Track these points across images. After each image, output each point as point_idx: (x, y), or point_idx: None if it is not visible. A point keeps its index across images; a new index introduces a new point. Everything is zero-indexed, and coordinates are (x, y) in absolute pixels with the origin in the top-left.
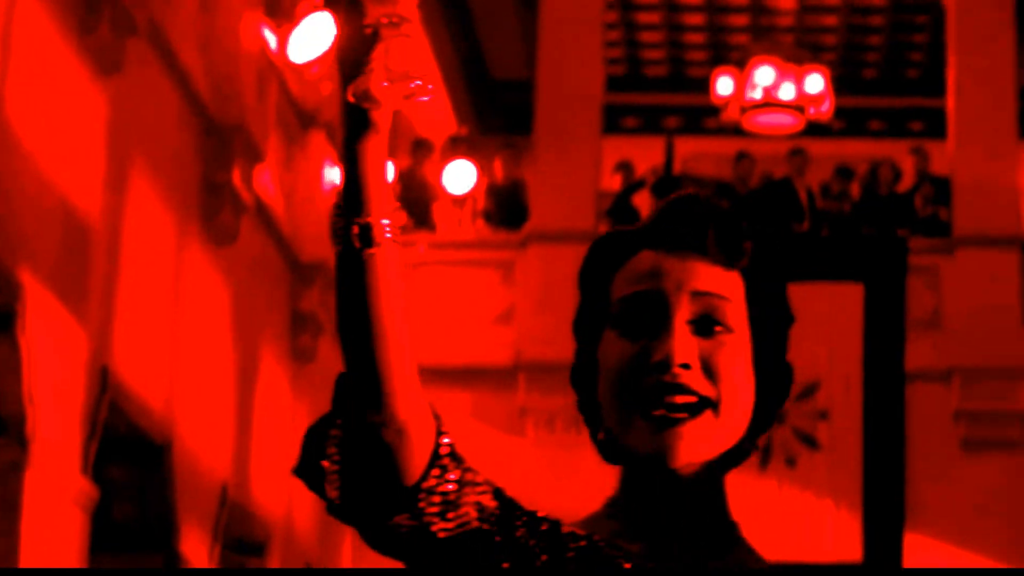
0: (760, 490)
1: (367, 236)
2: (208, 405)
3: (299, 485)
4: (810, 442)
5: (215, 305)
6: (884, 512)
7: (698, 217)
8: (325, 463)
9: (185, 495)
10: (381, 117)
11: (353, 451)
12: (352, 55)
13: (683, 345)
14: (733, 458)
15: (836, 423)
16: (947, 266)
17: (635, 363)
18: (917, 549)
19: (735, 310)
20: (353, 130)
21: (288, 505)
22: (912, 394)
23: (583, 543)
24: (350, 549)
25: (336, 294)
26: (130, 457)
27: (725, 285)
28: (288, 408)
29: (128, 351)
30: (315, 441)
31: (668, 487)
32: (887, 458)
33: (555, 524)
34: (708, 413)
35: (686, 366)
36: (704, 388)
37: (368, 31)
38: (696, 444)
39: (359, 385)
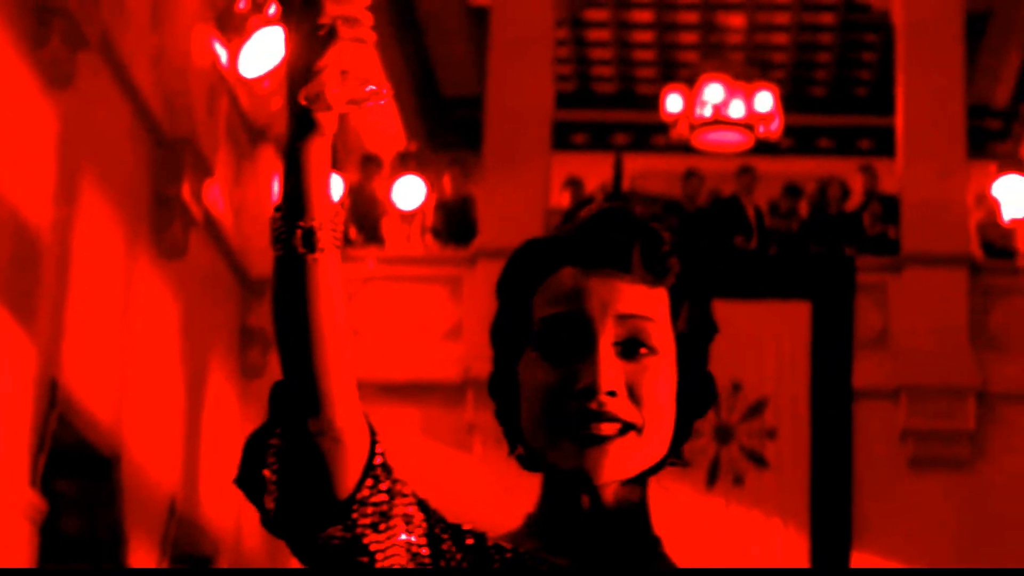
0: (708, 508)
1: (310, 240)
2: (157, 419)
3: (246, 499)
4: (758, 460)
5: (164, 319)
6: (831, 530)
7: (623, 234)
8: (266, 472)
9: (133, 508)
10: (328, 121)
11: (290, 460)
12: (305, 56)
13: (608, 371)
14: (654, 471)
15: (784, 441)
16: (895, 285)
17: (559, 389)
18: (864, 567)
19: (660, 330)
20: (299, 133)
21: (236, 519)
22: (859, 412)
23: (508, 555)
24: (297, 563)
25: (274, 299)
26: (79, 470)
27: (650, 305)
28: (236, 423)
29: (77, 364)
30: (255, 450)
31: (591, 503)
32: (834, 476)
33: (480, 536)
34: (632, 435)
35: (612, 393)
36: (629, 415)
37: (323, 32)
38: (620, 462)
39: (297, 392)
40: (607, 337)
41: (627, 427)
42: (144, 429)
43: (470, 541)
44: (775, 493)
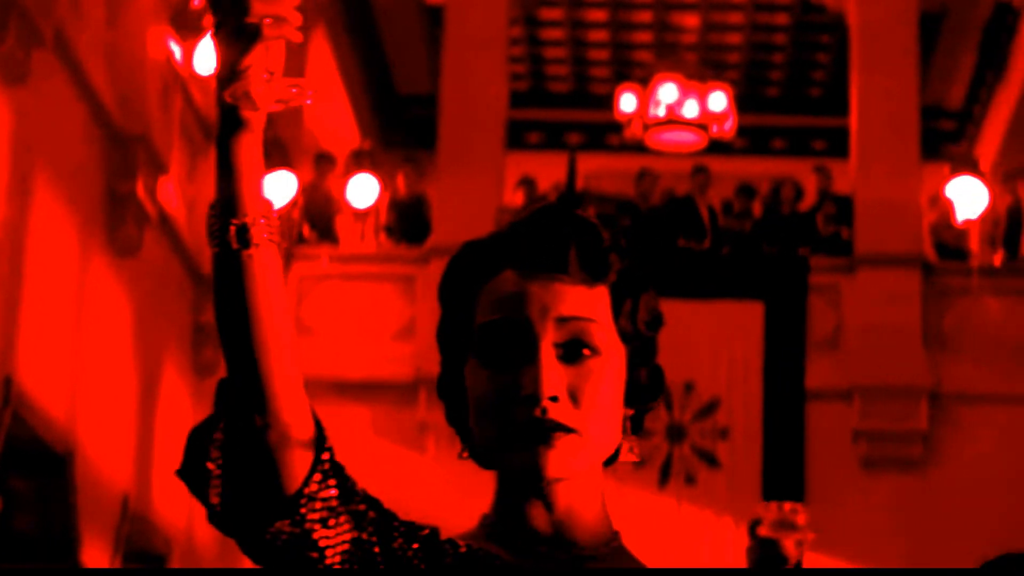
0: (659, 508)
1: (244, 237)
2: (110, 416)
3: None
4: (710, 460)
5: (118, 316)
6: None
7: (559, 235)
8: (210, 465)
9: (87, 506)
10: (256, 119)
11: (236, 455)
12: (231, 55)
13: (551, 376)
14: (607, 465)
15: (736, 441)
16: (848, 285)
17: (503, 395)
18: (816, 568)
19: (602, 330)
20: (227, 131)
21: (189, 516)
22: (812, 413)
23: (462, 550)
24: (249, 562)
25: (215, 297)
26: (32, 468)
27: (591, 305)
28: (189, 420)
29: (31, 362)
30: (199, 443)
31: (544, 501)
32: (787, 477)
33: (433, 531)
34: (575, 436)
35: (554, 399)
36: (572, 420)
37: (249, 30)
38: (567, 462)
39: (242, 388)
40: (548, 341)
41: (570, 431)
42: (98, 426)
43: (423, 534)
44: (727, 493)
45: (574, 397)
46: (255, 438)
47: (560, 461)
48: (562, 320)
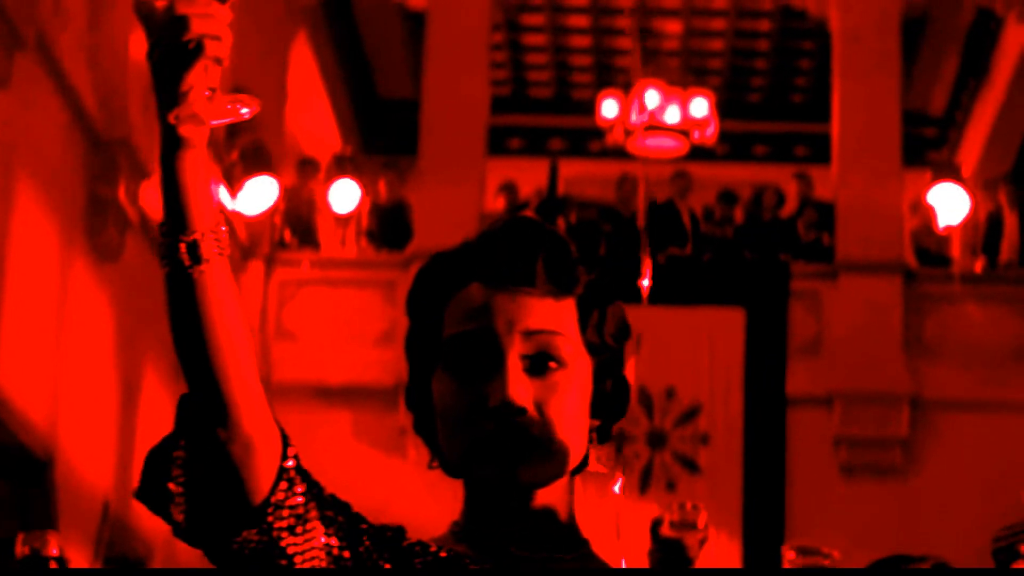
0: (640, 514)
1: (195, 253)
2: (91, 421)
3: None
4: (691, 466)
5: (99, 321)
6: (764, 537)
7: (527, 248)
8: (171, 485)
9: (67, 511)
10: (198, 135)
11: (199, 470)
12: (172, 76)
13: (518, 389)
14: (575, 474)
15: (717, 447)
16: (829, 292)
17: (471, 408)
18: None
19: (569, 342)
20: (170, 148)
21: None
22: (793, 419)
23: (431, 555)
24: None
25: (169, 314)
26: (12, 472)
27: (558, 318)
28: (170, 426)
29: (11, 366)
30: (158, 463)
31: (513, 510)
32: (767, 483)
33: (398, 531)
34: (544, 448)
35: (522, 411)
36: (540, 430)
37: (190, 49)
38: (535, 474)
39: (203, 403)
40: (515, 354)
41: (538, 442)
42: (78, 431)
43: (389, 535)
44: (708, 499)
45: (541, 409)
46: (218, 452)
47: (527, 472)
48: (529, 333)
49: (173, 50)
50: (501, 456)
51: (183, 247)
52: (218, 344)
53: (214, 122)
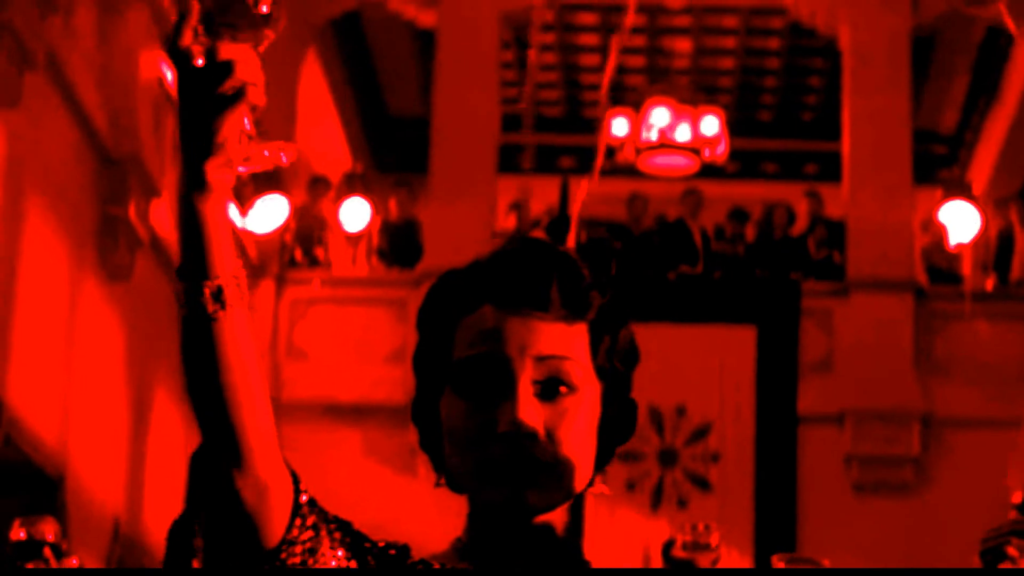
0: (651, 532)
1: (219, 298)
2: (102, 439)
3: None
4: (702, 484)
5: (110, 340)
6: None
7: (541, 272)
8: (195, 563)
9: (78, 529)
10: (224, 179)
11: (215, 527)
12: (206, 118)
13: (528, 413)
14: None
15: (728, 465)
16: (840, 309)
17: (481, 431)
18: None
19: (579, 367)
20: (193, 190)
21: None
22: (804, 437)
23: (436, 567)
24: None
25: (184, 360)
26: (23, 490)
27: (569, 343)
28: (181, 444)
29: (23, 385)
30: (181, 540)
31: (518, 531)
32: (778, 501)
33: (403, 551)
34: (552, 472)
35: (532, 435)
36: (549, 456)
37: (230, 96)
38: (542, 498)
39: (218, 448)
40: (526, 379)
41: (547, 467)
42: (89, 449)
43: (392, 553)
44: (719, 517)
45: (551, 434)
46: (233, 503)
47: (536, 497)
48: (540, 358)
49: (210, 96)
50: (510, 480)
51: (207, 292)
52: (235, 389)
53: (248, 165)
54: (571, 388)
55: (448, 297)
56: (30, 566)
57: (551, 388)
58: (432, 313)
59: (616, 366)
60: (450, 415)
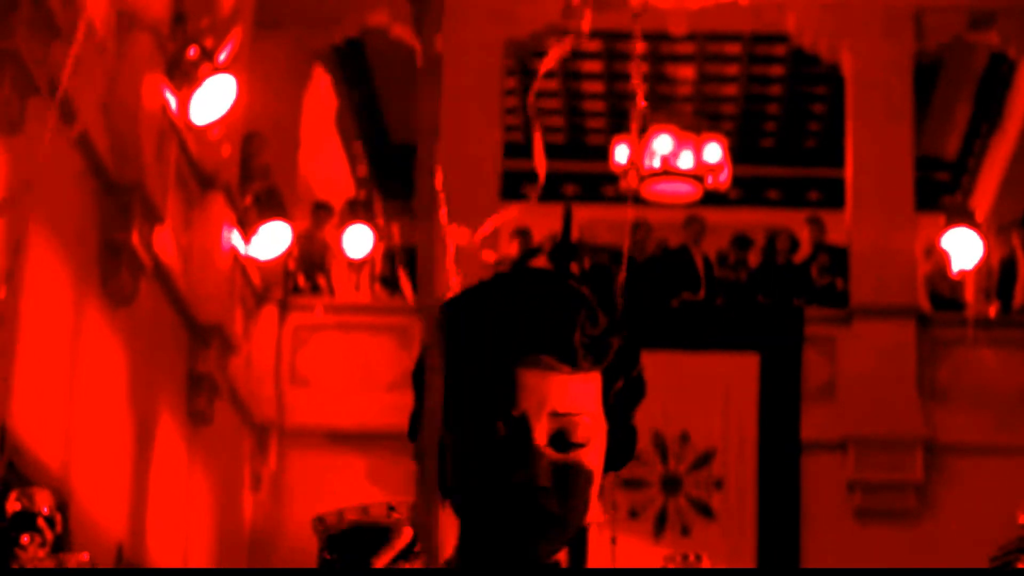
0: (654, 559)
1: None
2: (105, 465)
3: (194, 545)
4: (705, 511)
5: (112, 366)
6: None
7: (563, 324)
8: None
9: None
10: None
11: None
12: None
13: (541, 469)
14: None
15: (731, 492)
16: (843, 336)
17: (492, 479)
18: (817, 568)
19: (593, 419)
20: None
21: (183, 563)
22: (807, 464)
23: None
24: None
25: None
26: None
27: (586, 396)
28: (184, 469)
29: (25, 411)
30: None
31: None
32: (782, 527)
33: None
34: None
35: (544, 489)
36: (559, 508)
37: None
38: (552, 545)
39: None
40: (541, 434)
41: (557, 520)
42: (92, 475)
43: None
44: (722, 544)
45: (562, 487)
46: None
47: (544, 549)
48: (557, 415)
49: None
50: (519, 533)
51: None
52: None
53: None
54: (585, 442)
55: (463, 329)
56: (25, 537)
57: (564, 442)
58: (445, 339)
59: (627, 408)
60: (459, 450)
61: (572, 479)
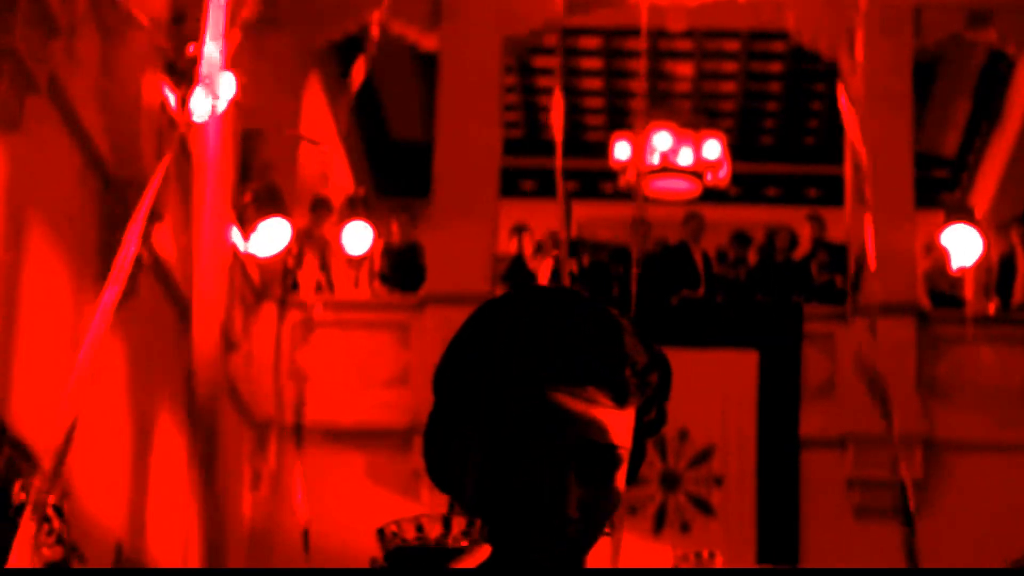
0: (654, 556)
1: None
2: (104, 462)
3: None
4: (705, 508)
5: (112, 362)
6: None
7: (616, 364)
8: None
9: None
10: None
11: None
12: None
13: (573, 499)
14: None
15: (730, 489)
16: (842, 333)
17: (521, 501)
18: (817, 568)
19: (625, 452)
20: None
21: (183, 562)
22: (806, 461)
23: None
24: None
25: None
26: None
27: (621, 431)
28: (183, 466)
29: (25, 407)
30: None
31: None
32: (781, 524)
33: None
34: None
35: (572, 519)
36: (581, 534)
37: None
38: (573, 564)
39: None
40: (577, 465)
41: (576, 543)
42: (91, 472)
43: None
44: (721, 540)
45: (591, 517)
46: None
47: (559, 564)
48: (595, 446)
49: None
50: (541, 554)
51: None
52: None
53: None
54: (617, 473)
55: (506, 350)
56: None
57: (594, 475)
58: (487, 359)
59: (651, 431)
60: (490, 466)
61: (602, 510)
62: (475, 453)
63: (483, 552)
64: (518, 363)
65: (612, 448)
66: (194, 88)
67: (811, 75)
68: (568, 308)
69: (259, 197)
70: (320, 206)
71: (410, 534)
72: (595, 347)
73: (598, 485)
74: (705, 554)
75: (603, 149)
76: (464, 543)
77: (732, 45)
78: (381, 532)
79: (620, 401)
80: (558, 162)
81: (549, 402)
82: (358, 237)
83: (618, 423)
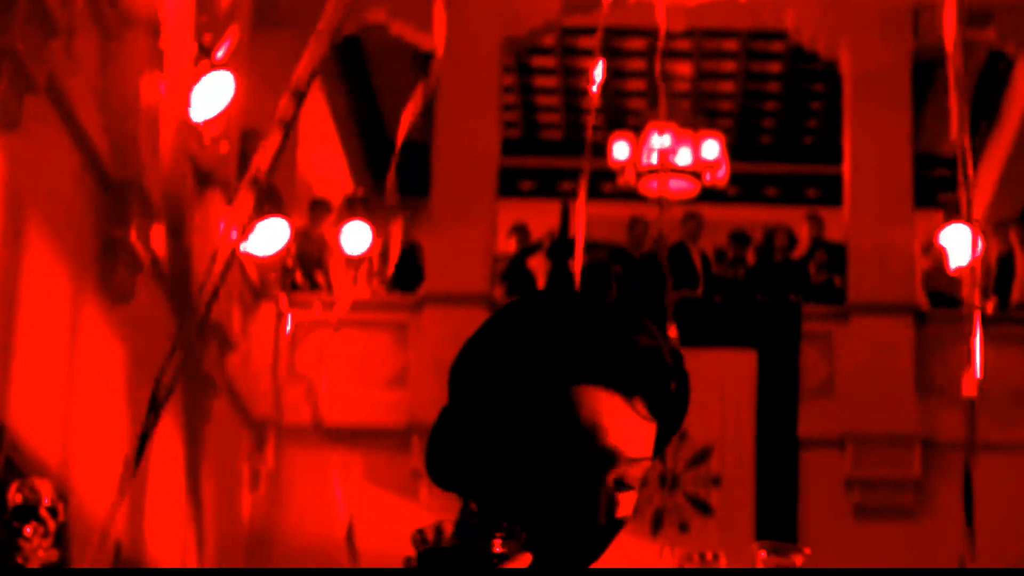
0: (651, 556)
1: None
2: (103, 463)
3: (191, 543)
4: (703, 508)
5: (110, 363)
6: None
7: (661, 375)
8: None
9: (79, 552)
10: None
11: None
12: None
13: (604, 509)
14: None
15: (729, 489)
16: (841, 333)
17: (550, 507)
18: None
19: (649, 462)
20: None
21: (182, 563)
22: (805, 461)
23: None
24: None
25: None
26: None
27: (649, 440)
28: (182, 467)
29: (23, 408)
30: None
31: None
32: (779, 525)
33: None
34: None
35: (600, 528)
36: (604, 543)
37: None
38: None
39: None
40: (612, 476)
41: (597, 552)
42: (90, 473)
43: None
44: (720, 541)
45: (615, 524)
46: None
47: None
48: (629, 461)
49: None
50: (552, 555)
51: None
52: None
53: None
54: (639, 486)
55: (546, 350)
56: (28, 528)
57: (622, 483)
58: (540, 360)
59: (667, 442)
60: (515, 467)
61: (623, 517)
62: (495, 454)
63: (524, 560)
64: (556, 367)
65: (642, 461)
66: (193, 87)
67: (810, 75)
68: (611, 317)
69: (258, 196)
70: (318, 206)
71: (448, 535)
72: (641, 358)
73: (622, 491)
74: (709, 555)
75: (602, 149)
76: (502, 549)
77: (731, 45)
78: (421, 532)
79: (658, 414)
80: (588, 131)
81: (589, 409)
82: (356, 237)
83: (648, 434)
